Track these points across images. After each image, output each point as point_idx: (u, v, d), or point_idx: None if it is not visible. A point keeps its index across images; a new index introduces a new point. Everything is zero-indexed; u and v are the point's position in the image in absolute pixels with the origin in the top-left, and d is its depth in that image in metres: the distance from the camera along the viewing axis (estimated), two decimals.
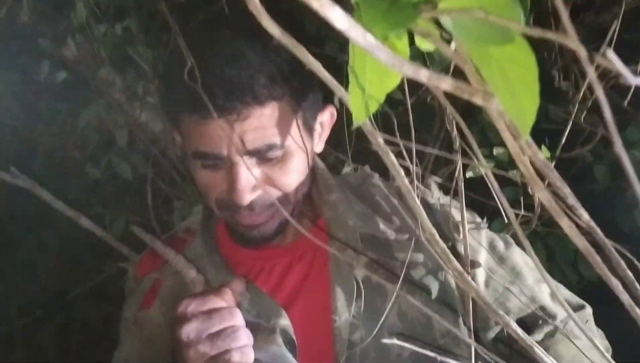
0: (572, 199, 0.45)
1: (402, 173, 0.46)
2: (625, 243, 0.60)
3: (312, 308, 0.98)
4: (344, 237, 1.00)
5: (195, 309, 0.87)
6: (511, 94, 0.39)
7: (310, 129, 0.97)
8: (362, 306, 0.94)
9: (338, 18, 0.27)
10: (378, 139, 0.49)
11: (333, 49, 1.51)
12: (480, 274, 1.01)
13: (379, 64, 0.45)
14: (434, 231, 0.43)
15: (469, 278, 0.43)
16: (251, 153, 0.89)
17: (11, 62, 1.83)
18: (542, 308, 1.02)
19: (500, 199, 0.49)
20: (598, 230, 0.39)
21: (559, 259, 1.58)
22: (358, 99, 0.46)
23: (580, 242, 0.38)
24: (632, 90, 1.24)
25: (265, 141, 0.88)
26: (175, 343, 0.88)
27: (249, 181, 0.90)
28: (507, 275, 1.02)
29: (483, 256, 1.02)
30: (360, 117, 0.48)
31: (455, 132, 0.55)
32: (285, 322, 0.95)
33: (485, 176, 0.49)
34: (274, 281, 1.01)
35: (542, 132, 1.13)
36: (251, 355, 0.87)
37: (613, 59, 0.35)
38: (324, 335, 0.95)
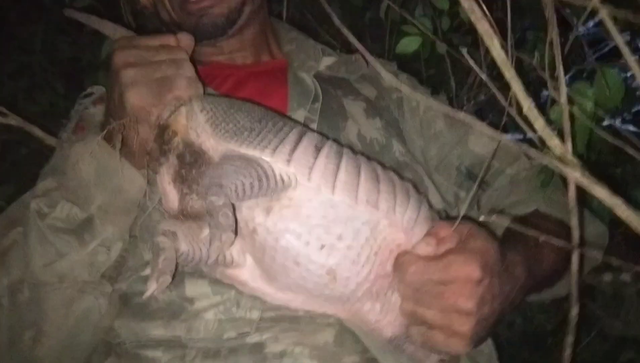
0: None
1: (497, 40, 0.42)
2: None
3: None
4: (304, 56, 1.06)
5: (138, 42, 0.78)
6: None
7: None
8: (320, 105, 0.96)
9: None
10: (473, 6, 0.45)
11: None
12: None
13: None
14: (533, 105, 0.38)
15: (570, 156, 0.38)
16: None
17: None
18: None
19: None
20: None
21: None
22: None
23: None
24: None
25: None
26: (110, 73, 0.78)
27: None
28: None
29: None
30: None
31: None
32: None
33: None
34: (228, 87, 1.03)
35: None
36: (200, 90, 0.78)
37: None
38: None
